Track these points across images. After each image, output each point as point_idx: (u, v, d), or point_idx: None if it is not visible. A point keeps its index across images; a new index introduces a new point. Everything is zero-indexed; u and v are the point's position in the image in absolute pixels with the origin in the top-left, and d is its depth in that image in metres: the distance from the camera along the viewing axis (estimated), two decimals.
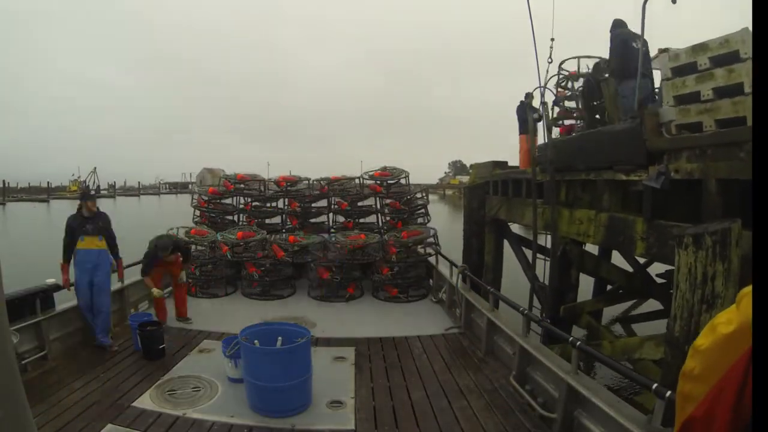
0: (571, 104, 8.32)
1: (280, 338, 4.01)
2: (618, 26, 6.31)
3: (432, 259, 7.67)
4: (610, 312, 9.54)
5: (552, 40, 6.69)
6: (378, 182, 8.41)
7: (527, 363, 4.15)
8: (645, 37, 5.68)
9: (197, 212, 8.72)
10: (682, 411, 1.61)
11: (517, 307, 4.52)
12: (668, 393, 2.41)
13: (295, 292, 7.52)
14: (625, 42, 5.99)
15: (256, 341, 3.86)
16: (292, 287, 7.59)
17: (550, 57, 6.62)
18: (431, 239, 7.77)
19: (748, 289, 1.43)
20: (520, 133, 9.59)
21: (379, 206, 8.55)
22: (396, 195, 8.35)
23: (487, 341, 5.09)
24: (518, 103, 9.63)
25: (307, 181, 8.89)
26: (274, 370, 3.69)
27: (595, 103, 6.71)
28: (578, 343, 3.38)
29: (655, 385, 2.54)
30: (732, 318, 1.44)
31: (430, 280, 7.72)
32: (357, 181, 8.66)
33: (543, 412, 3.55)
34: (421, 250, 7.85)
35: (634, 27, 6.29)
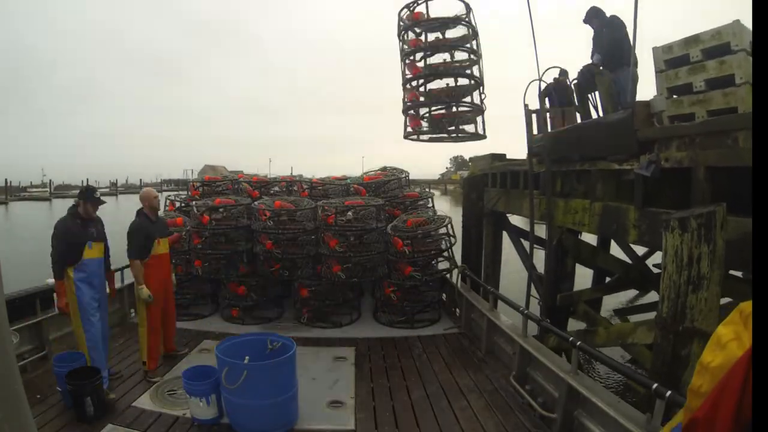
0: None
1: (271, 343, 3.81)
2: (599, 15, 6.41)
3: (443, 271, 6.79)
4: (610, 304, 9.66)
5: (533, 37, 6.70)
6: (366, 185, 7.08)
7: (527, 363, 4.22)
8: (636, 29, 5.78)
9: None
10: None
11: (517, 307, 4.59)
12: (668, 393, 2.48)
13: (283, 313, 6.59)
14: (622, 26, 6.09)
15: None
16: (279, 307, 6.64)
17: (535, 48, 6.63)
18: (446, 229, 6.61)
19: (750, 305, 1.49)
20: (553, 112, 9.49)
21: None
22: (390, 200, 7.00)
23: (487, 341, 5.16)
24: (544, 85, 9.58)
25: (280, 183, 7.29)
26: (254, 387, 3.39)
27: (589, 95, 6.80)
28: (579, 342, 3.42)
29: (655, 385, 2.61)
30: (740, 332, 1.44)
31: (443, 295, 6.94)
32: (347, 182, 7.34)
33: (543, 412, 3.61)
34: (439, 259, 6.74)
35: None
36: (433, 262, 6.70)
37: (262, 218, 6.17)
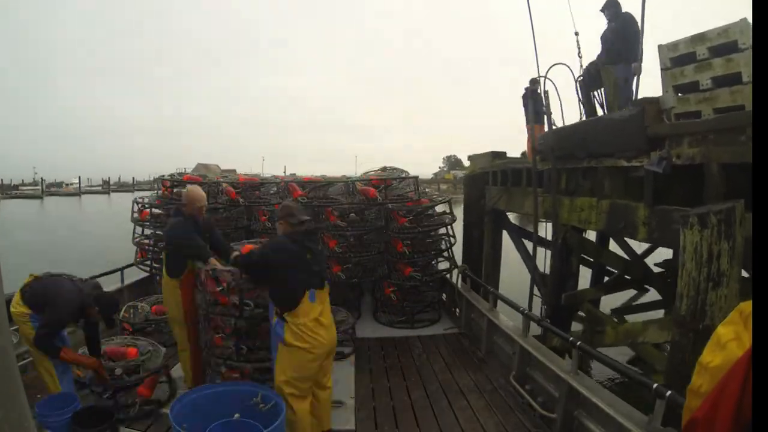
0: None
1: (237, 414, 2.76)
2: (615, 6, 6.42)
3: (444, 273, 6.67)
4: (609, 304, 9.66)
5: (576, 34, 6.71)
6: (378, 186, 6.36)
7: (527, 363, 4.21)
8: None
9: (138, 229, 6.48)
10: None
11: (517, 307, 4.58)
12: (668, 393, 2.46)
13: None
14: (634, 23, 6.11)
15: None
16: None
17: (579, 53, 6.69)
18: (446, 211, 6.51)
19: (750, 305, 1.46)
20: (528, 122, 9.52)
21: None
22: (399, 204, 6.30)
23: (487, 341, 5.14)
24: (524, 91, 9.54)
25: (275, 185, 6.78)
26: None
27: (594, 92, 6.78)
28: (579, 342, 3.42)
29: (655, 385, 2.60)
30: (740, 332, 1.46)
31: (443, 295, 6.83)
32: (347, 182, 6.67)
33: (543, 412, 3.61)
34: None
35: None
36: (433, 262, 6.68)
37: (261, 219, 6.06)
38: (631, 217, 4.80)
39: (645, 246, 8.45)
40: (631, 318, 8.51)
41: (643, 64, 6.04)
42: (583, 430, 3.27)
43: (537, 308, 6.62)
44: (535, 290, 7.19)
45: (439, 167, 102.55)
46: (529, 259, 7.72)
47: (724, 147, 3.86)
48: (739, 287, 3.24)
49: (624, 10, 6.37)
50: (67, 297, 3.39)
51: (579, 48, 6.68)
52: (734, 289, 3.19)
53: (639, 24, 5.89)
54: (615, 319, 8.46)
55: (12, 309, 3.45)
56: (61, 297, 3.38)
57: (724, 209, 3.17)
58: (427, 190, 8.66)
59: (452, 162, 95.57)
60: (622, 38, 6.04)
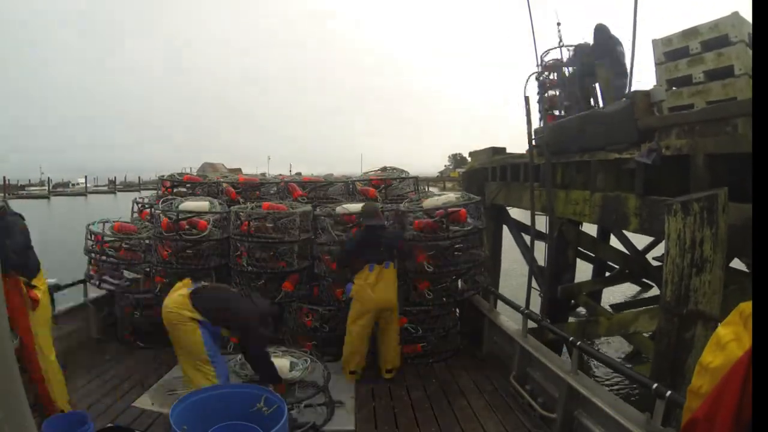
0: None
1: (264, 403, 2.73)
2: (605, 31, 6.63)
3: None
4: (608, 300, 9.69)
5: (558, 24, 6.80)
6: (378, 187, 6.07)
7: (527, 363, 4.20)
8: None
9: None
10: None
11: (517, 307, 4.58)
12: (668, 393, 2.49)
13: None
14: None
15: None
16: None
17: (560, 42, 6.80)
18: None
19: (750, 306, 1.43)
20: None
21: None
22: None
23: (487, 341, 5.14)
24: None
25: (275, 185, 6.37)
26: None
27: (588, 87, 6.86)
28: (579, 342, 3.43)
29: (655, 385, 2.62)
30: (740, 333, 1.45)
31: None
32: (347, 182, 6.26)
33: (543, 412, 3.60)
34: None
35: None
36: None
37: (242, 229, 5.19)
38: (623, 209, 4.86)
39: (647, 241, 8.51)
40: None
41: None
42: (583, 430, 3.27)
43: (535, 301, 6.65)
44: (534, 284, 7.23)
45: (445, 165, 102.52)
46: (528, 253, 7.77)
47: (709, 138, 3.92)
48: (723, 273, 3.29)
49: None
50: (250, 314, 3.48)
51: (561, 39, 6.86)
52: (717, 274, 3.24)
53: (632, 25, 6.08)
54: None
55: (176, 309, 3.33)
56: (247, 313, 3.48)
57: (706, 197, 3.24)
58: (430, 189, 8.51)
59: (458, 160, 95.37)
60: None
